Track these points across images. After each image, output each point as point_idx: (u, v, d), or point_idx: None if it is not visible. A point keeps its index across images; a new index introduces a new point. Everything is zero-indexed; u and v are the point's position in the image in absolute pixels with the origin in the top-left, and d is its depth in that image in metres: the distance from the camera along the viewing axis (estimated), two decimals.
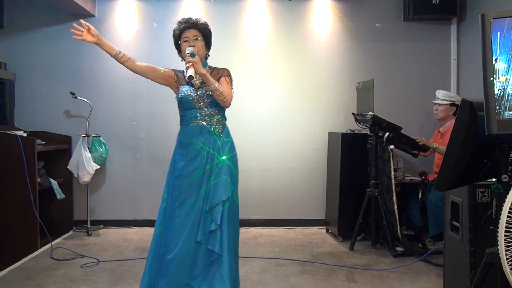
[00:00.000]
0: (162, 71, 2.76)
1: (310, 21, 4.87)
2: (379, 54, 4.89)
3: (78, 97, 4.54)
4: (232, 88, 2.71)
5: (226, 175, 2.64)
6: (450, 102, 4.08)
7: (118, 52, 2.69)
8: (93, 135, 4.61)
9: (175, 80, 2.73)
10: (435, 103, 4.17)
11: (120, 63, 2.73)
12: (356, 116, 4.17)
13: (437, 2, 4.57)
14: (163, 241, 2.64)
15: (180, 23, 2.74)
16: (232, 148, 2.74)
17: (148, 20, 4.80)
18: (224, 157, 2.65)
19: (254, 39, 4.86)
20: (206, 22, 2.77)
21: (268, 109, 4.85)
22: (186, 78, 2.52)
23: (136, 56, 4.85)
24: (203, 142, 2.62)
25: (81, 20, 2.64)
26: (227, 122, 2.76)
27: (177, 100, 2.72)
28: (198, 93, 2.65)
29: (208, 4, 4.81)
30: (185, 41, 2.68)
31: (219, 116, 2.69)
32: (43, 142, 4.39)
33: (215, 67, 2.78)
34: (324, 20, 4.88)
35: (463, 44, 4.77)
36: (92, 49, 4.73)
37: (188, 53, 2.55)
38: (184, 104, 2.67)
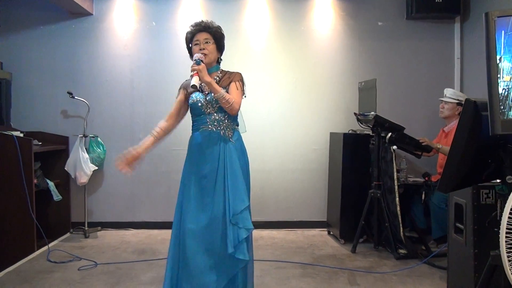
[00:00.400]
0: (178, 100, 2.77)
1: (311, 20, 4.88)
2: (381, 53, 4.89)
3: (76, 97, 4.55)
4: (244, 93, 2.71)
5: (241, 178, 2.62)
6: (457, 101, 4.07)
7: (156, 138, 2.72)
8: (90, 135, 4.61)
9: (186, 93, 2.74)
10: (442, 101, 4.17)
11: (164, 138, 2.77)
12: (358, 116, 4.17)
13: (441, 0, 4.56)
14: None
15: (192, 26, 2.74)
16: (242, 152, 2.73)
17: (147, 19, 4.80)
18: (235, 160, 2.64)
19: (254, 38, 4.87)
20: (219, 26, 2.77)
21: (268, 109, 4.85)
22: (190, 86, 2.53)
23: (135, 55, 4.92)
24: (212, 146, 2.63)
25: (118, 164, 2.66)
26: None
27: (189, 107, 2.74)
28: (207, 98, 2.65)
29: (208, 2, 4.82)
30: (196, 44, 2.69)
31: (228, 121, 2.68)
32: (40, 143, 4.39)
33: (227, 71, 2.77)
34: (325, 18, 4.88)
35: (466, 43, 4.77)
36: (89, 48, 4.77)
37: (194, 60, 2.57)
38: (194, 110, 2.70)
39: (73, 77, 4.76)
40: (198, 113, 2.68)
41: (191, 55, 2.74)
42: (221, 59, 2.81)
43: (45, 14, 4.73)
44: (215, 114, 2.65)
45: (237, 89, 2.67)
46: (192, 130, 2.74)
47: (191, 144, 2.71)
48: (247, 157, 2.76)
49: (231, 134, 2.67)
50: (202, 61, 2.58)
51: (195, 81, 2.50)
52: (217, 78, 2.69)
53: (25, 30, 4.74)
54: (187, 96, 2.73)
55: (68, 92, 4.54)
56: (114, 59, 4.80)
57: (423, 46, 4.88)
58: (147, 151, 2.67)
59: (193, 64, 2.56)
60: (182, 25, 4.73)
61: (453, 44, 4.86)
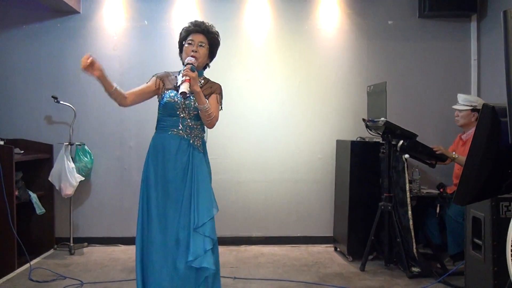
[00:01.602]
0: (146, 85, 2.84)
1: (316, 18, 4.90)
2: (391, 54, 4.91)
3: (61, 102, 4.56)
4: (221, 107, 2.85)
5: (209, 188, 2.75)
6: (471, 107, 4.08)
7: (116, 88, 2.79)
8: (77, 143, 4.61)
9: (160, 86, 2.81)
10: (456, 109, 4.18)
11: (112, 99, 2.84)
12: (367, 123, 4.18)
13: None
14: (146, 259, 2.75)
15: (191, 24, 2.82)
16: (207, 162, 2.85)
17: (138, 18, 4.83)
18: (203, 170, 2.76)
19: (255, 38, 4.89)
20: (217, 32, 2.87)
21: (270, 115, 4.86)
22: (179, 93, 2.57)
23: (125, 56, 4.93)
24: (182, 152, 2.72)
25: (88, 54, 2.67)
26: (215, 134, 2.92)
27: (159, 103, 2.82)
28: (186, 102, 2.72)
29: (205, 0, 4.85)
30: (190, 43, 2.77)
31: (199, 129, 2.80)
32: (22, 151, 4.38)
33: (209, 80, 2.89)
34: (331, 17, 4.91)
35: (484, 43, 4.79)
36: (76, 48, 4.77)
37: (189, 64, 2.63)
38: (167, 110, 2.76)
39: (58, 80, 4.77)
40: (171, 114, 2.75)
41: (181, 51, 2.84)
42: (208, 66, 2.92)
43: (28, 12, 4.75)
44: (189, 119, 2.74)
45: (217, 102, 2.80)
46: (157, 129, 2.81)
47: (157, 145, 2.76)
48: (210, 169, 2.87)
49: (200, 143, 2.79)
50: (195, 67, 2.65)
51: (185, 88, 2.55)
52: (199, 84, 2.75)
53: (6, 29, 4.77)
54: (160, 89, 2.80)
55: (52, 97, 4.55)
56: (103, 61, 4.72)
57: (437, 46, 4.90)
58: (105, 81, 2.76)
59: (187, 68, 2.61)
60: (176, 24, 4.76)
61: (469, 45, 4.88)
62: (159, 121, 2.81)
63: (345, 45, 4.92)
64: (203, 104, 2.64)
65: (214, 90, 2.82)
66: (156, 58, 4.78)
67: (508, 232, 1.64)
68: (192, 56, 2.69)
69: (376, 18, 4.91)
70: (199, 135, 2.79)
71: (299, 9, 4.88)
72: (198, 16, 4.77)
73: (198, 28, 2.79)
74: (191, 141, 2.74)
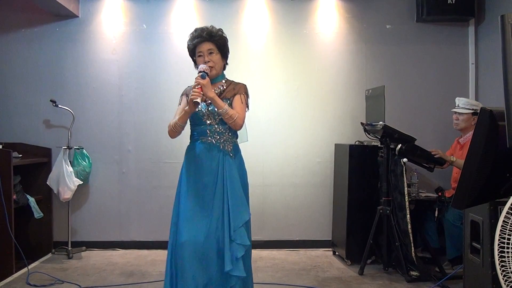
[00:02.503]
0: (182, 107, 2.82)
1: (314, 23, 4.91)
2: (390, 58, 4.92)
3: (59, 105, 4.56)
4: (247, 107, 2.84)
5: (241, 193, 2.73)
6: (472, 111, 4.08)
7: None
8: (75, 147, 4.61)
9: (187, 100, 2.79)
10: (455, 112, 4.18)
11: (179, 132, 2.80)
12: (365, 126, 4.19)
13: (453, 2, 4.61)
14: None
15: (193, 37, 2.82)
16: (241, 166, 2.83)
17: (137, 21, 4.83)
18: (234, 175, 2.74)
19: (253, 42, 4.90)
20: (220, 30, 2.86)
21: (268, 119, 4.86)
22: (192, 102, 2.61)
23: (124, 60, 4.94)
24: (211, 159, 2.74)
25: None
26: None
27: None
28: (209, 108, 2.75)
29: (203, 3, 4.85)
30: (200, 56, 2.80)
31: (229, 134, 2.80)
32: (20, 155, 4.39)
33: (232, 81, 2.90)
34: (329, 21, 4.92)
35: (482, 48, 4.81)
36: (75, 52, 4.78)
37: (199, 72, 2.67)
38: (194, 120, 2.79)
39: (57, 84, 4.77)
40: (198, 123, 2.78)
41: (196, 64, 2.85)
42: (227, 64, 2.93)
43: (27, 16, 4.76)
44: (216, 125, 2.76)
45: (242, 102, 2.79)
46: (190, 139, 2.85)
47: (189, 155, 2.80)
48: (246, 172, 2.86)
49: (231, 148, 2.78)
50: (207, 74, 2.68)
51: (195, 97, 2.58)
52: (222, 88, 2.81)
53: (5, 33, 4.77)
54: (187, 103, 2.78)
55: (51, 100, 4.55)
56: (102, 65, 4.82)
57: (434, 50, 4.91)
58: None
59: (198, 76, 2.65)
60: (175, 28, 4.77)
61: (467, 49, 4.90)
62: (191, 132, 2.84)
63: (344, 49, 4.93)
64: (221, 108, 2.66)
65: (237, 90, 2.81)
66: (155, 62, 4.79)
67: (496, 233, 1.64)
68: (206, 65, 2.73)
69: (374, 22, 4.93)
70: (230, 140, 2.79)
71: (297, 13, 4.89)
72: (196, 20, 4.78)
73: (202, 38, 2.79)
74: (221, 147, 2.76)
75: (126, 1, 4.83)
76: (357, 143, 4.52)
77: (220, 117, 2.72)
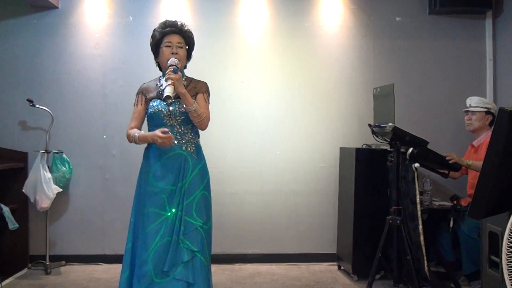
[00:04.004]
0: (138, 109, 2.97)
1: (318, 15, 4.93)
2: (399, 53, 4.93)
3: (37, 105, 4.55)
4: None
5: (199, 197, 2.86)
6: (486, 110, 4.12)
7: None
8: (54, 151, 4.60)
9: (145, 99, 2.95)
10: (468, 112, 4.21)
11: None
12: (373, 128, 4.19)
13: None
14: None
15: (164, 25, 2.93)
16: (204, 171, 2.95)
17: (122, 13, 4.84)
18: (195, 178, 2.87)
19: (250, 36, 4.90)
20: (191, 31, 2.99)
21: (266, 120, 4.87)
22: (163, 97, 2.72)
23: (108, 56, 4.94)
24: (173, 160, 2.85)
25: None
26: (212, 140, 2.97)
27: (147, 115, 2.94)
28: (171, 109, 2.85)
29: None
30: (168, 46, 2.89)
31: (191, 134, 2.92)
32: None
33: (192, 79, 3.01)
34: (333, 13, 4.94)
35: (500, 42, 4.83)
36: (54, 47, 4.78)
37: (172, 66, 2.76)
38: (153, 120, 2.89)
39: (34, 81, 4.77)
40: (158, 124, 2.87)
41: (156, 55, 2.97)
42: (185, 68, 3.05)
43: (1, 6, 4.75)
44: (177, 126, 2.87)
45: (206, 101, 2.93)
46: None
47: (149, 156, 2.91)
48: (208, 174, 2.98)
49: (193, 148, 2.91)
50: (178, 68, 2.78)
51: (169, 91, 2.68)
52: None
53: None
54: (146, 103, 2.93)
55: (28, 100, 4.54)
56: (84, 60, 4.82)
57: (449, 45, 4.93)
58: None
59: (169, 71, 2.74)
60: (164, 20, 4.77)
61: (484, 43, 4.92)
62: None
63: (349, 43, 4.94)
64: (191, 105, 2.77)
65: (199, 89, 2.93)
66: (141, 57, 4.78)
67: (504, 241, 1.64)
68: (175, 59, 2.82)
69: (383, 14, 4.94)
70: (192, 140, 2.90)
71: (298, 4, 4.91)
72: (188, 12, 4.79)
73: (175, 29, 2.90)
74: (183, 148, 2.85)
75: None
76: (364, 146, 4.52)
77: (182, 118, 2.85)
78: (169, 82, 2.70)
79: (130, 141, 2.91)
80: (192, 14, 4.78)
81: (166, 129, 2.74)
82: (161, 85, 2.91)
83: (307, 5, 4.92)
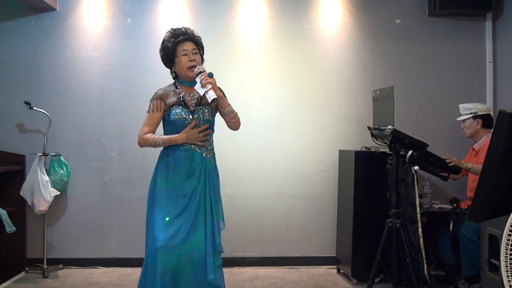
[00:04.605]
0: (155, 115, 2.96)
1: (317, 17, 4.93)
2: (399, 56, 4.94)
3: (34, 108, 4.55)
4: None
5: (221, 202, 2.99)
6: (472, 115, 4.18)
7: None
8: (52, 154, 4.60)
9: (165, 106, 2.93)
10: (460, 120, 4.28)
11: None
12: (373, 131, 4.19)
13: None
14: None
15: (176, 34, 2.95)
16: (218, 174, 3.05)
17: (120, 15, 4.84)
18: (215, 183, 2.98)
19: (249, 38, 4.91)
20: (199, 35, 3.06)
21: (266, 123, 4.87)
22: (210, 100, 2.76)
23: (106, 58, 4.93)
24: (194, 166, 2.89)
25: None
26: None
27: (167, 120, 2.94)
28: (195, 116, 2.90)
29: None
30: (184, 54, 2.92)
31: (210, 140, 2.99)
32: None
33: None
34: (333, 15, 4.94)
35: (500, 44, 4.84)
36: (52, 49, 4.78)
37: (203, 72, 2.82)
38: (176, 127, 2.90)
39: (32, 84, 4.76)
40: (180, 131, 2.89)
41: (170, 64, 2.99)
42: None
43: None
44: (200, 133, 2.90)
45: (229, 103, 2.97)
46: (167, 146, 2.96)
47: (168, 161, 2.91)
48: (219, 179, 3.07)
49: (211, 155, 2.98)
50: (212, 74, 2.85)
51: (213, 94, 2.75)
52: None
53: None
54: (165, 110, 2.93)
55: (25, 102, 4.54)
56: (82, 63, 4.82)
57: (448, 47, 4.94)
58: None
59: (205, 76, 2.79)
60: (162, 23, 4.77)
61: (484, 46, 4.93)
62: None
63: (349, 46, 4.95)
64: (228, 107, 2.89)
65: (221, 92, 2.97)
66: (140, 59, 4.79)
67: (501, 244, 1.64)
68: (201, 66, 2.91)
69: (382, 16, 4.95)
70: (210, 147, 2.97)
71: (298, 6, 4.91)
72: (186, 13, 4.79)
73: (187, 36, 2.94)
74: (204, 154, 2.91)
75: None
76: (363, 149, 4.52)
77: (204, 124, 2.90)
78: (209, 86, 2.76)
79: (145, 145, 2.93)
80: (190, 16, 4.78)
81: (194, 123, 2.85)
82: (180, 92, 2.93)
83: (306, 7, 4.92)
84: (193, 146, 2.89)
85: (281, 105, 4.89)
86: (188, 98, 2.92)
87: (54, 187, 4.47)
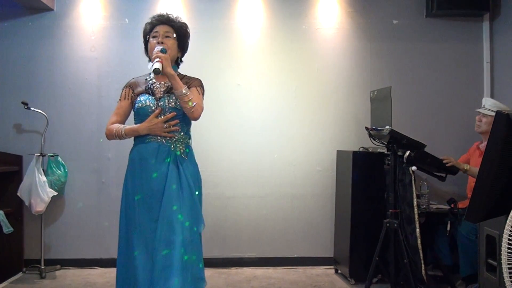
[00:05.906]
0: (123, 103, 2.80)
1: (315, 17, 4.94)
2: (397, 56, 4.95)
3: (32, 108, 4.54)
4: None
5: (190, 200, 2.68)
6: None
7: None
8: (49, 154, 4.59)
9: (132, 94, 2.78)
10: (479, 112, 4.18)
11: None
12: (370, 131, 4.19)
13: None
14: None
15: (152, 17, 2.85)
16: (196, 171, 2.78)
17: (118, 16, 4.83)
18: (186, 180, 2.68)
19: (247, 39, 4.91)
20: (185, 23, 2.87)
21: (263, 123, 4.87)
22: (151, 70, 2.56)
23: (104, 58, 4.92)
24: (161, 161, 2.65)
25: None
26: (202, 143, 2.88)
27: (133, 111, 2.79)
28: (160, 104, 2.70)
29: None
30: (154, 36, 2.78)
31: (182, 133, 2.74)
32: None
33: (185, 75, 2.85)
34: (331, 15, 4.95)
35: (497, 45, 4.85)
36: (49, 49, 4.77)
37: (161, 49, 2.63)
38: (141, 116, 2.72)
39: (29, 84, 4.76)
40: (145, 120, 2.70)
41: (147, 50, 2.84)
42: (181, 61, 2.90)
43: None
44: (166, 123, 2.68)
45: (198, 93, 2.73)
46: (135, 140, 2.78)
47: (133, 157, 2.72)
48: (200, 176, 2.80)
49: (183, 149, 2.71)
50: (166, 50, 2.64)
51: (159, 65, 2.54)
52: None
53: None
54: (133, 98, 2.77)
55: (22, 103, 4.53)
56: (79, 63, 4.81)
57: (446, 48, 4.95)
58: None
59: (157, 51, 2.61)
60: None
61: (481, 46, 4.94)
62: None
63: (346, 46, 4.96)
64: (180, 89, 2.59)
65: (192, 83, 2.77)
66: (138, 59, 4.73)
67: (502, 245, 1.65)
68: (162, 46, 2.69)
69: (380, 17, 4.96)
70: (182, 140, 2.72)
71: (295, 7, 4.92)
72: (184, 14, 4.79)
73: (162, 18, 2.81)
74: (172, 147, 2.68)
75: None
76: (361, 149, 4.53)
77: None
78: (157, 60, 2.57)
79: (111, 137, 2.74)
80: (188, 16, 4.78)
81: (158, 111, 2.65)
82: (151, 79, 2.76)
83: (304, 8, 4.93)
84: (158, 138, 2.67)
85: (279, 106, 4.89)
86: (158, 86, 2.73)
87: (51, 187, 4.47)
